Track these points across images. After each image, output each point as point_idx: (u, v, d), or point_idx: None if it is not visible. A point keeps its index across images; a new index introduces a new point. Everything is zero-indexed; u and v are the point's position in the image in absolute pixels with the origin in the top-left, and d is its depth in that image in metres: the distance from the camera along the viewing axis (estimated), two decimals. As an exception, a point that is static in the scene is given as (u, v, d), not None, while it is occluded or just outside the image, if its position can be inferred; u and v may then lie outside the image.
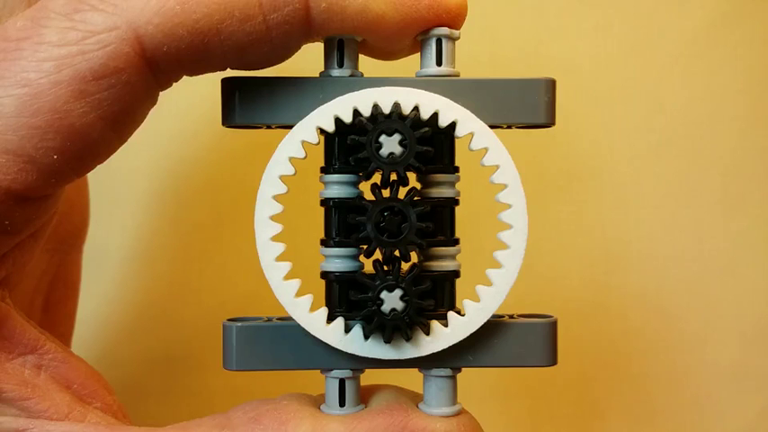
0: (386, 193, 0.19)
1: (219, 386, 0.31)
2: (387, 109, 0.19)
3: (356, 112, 0.19)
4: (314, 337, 0.20)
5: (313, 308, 0.20)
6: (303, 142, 0.19)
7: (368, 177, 0.19)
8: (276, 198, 0.19)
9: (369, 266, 0.20)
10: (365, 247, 0.19)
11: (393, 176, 0.19)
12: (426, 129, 0.19)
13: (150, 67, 0.18)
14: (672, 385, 0.33)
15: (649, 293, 0.31)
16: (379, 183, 0.19)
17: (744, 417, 0.33)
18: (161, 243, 0.32)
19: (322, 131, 0.20)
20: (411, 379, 0.21)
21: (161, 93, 0.19)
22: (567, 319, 0.30)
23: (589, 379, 0.32)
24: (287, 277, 0.19)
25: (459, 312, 0.20)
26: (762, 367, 0.33)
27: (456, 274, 0.20)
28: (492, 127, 0.20)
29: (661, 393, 0.33)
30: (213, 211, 0.32)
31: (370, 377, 0.21)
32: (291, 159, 0.19)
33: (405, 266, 0.20)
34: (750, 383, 0.33)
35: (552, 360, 0.20)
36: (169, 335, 0.32)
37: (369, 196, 0.20)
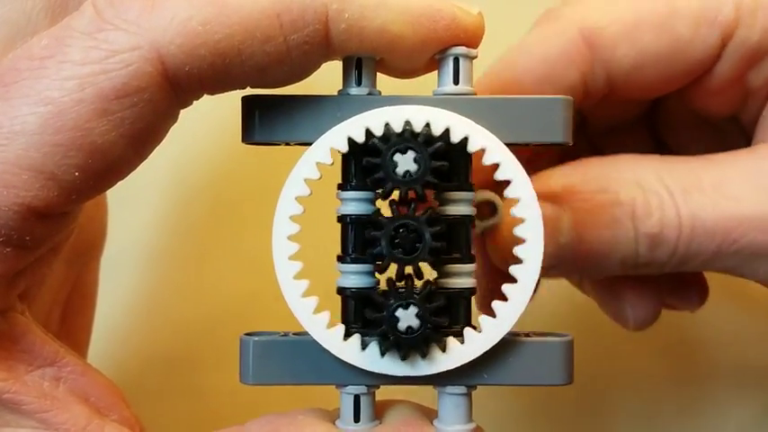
0: (403, 210, 0.19)
1: (219, 386, 0.31)
2: (399, 128, 0.19)
3: (368, 132, 0.19)
4: (330, 352, 0.20)
5: (330, 324, 0.20)
6: (317, 163, 0.20)
7: (386, 196, 0.19)
8: (293, 218, 0.20)
9: (385, 283, 0.20)
10: (381, 263, 0.19)
11: (411, 194, 0.19)
12: (439, 144, 0.19)
13: (172, 86, 0.18)
14: (672, 385, 0.33)
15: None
16: (396, 200, 0.19)
17: (744, 417, 0.33)
18: (160, 244, 0.32)
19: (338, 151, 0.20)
20: (426, 395, 0.21)
21: None
22: (568, 319, 0.30)
23: (589, 378, 0.32)
24: (305, 295, 0.20)
25: (474, 329, 0.20)
26: (762, 367, 0.33)
27: (472, 291, 0.21)
28: (509, 145, 0.20)
29: (661, 393, 0.33)
30: (213, 211, 0.32)
31: (385, 392, 0.21)
32: (307, 180, 0.20)
33: (420, 284, 0.20)
34: (750, 383, 0.33)
35: (568, 379, 0.20)
36: (168, 335, 0.32)
37: (386, 213, 0.20)
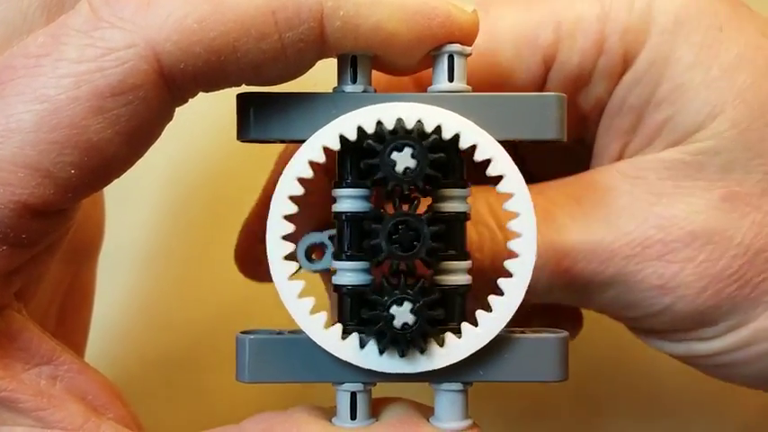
0: (398, 207, 0.19)
1: (217, 385, 0.31)
2: (390, 125, 0.19)
3: (360, 130, 0.19)
4: (326, 350, 0.20)
5: (325, 322, 0.20)
6: (310, 162, 0.20)
7: (389, 195, 0.19)
8: (288, 218, 0.20)
9: (380, 280, 0.20)
10: (378, 260, 0.19)
11: (413, 190, 0.19)
12: (434, 137, 0.19)
13: (167, 84, 0.18)
14: (672, 385, 0.33)
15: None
16: (398, 197, 0.20)
17: (744, 417, 0.33)
18: (158, 242, 0.32)
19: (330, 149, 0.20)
20: (423, 392, 0.21)
21: None
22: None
23: (589, 378, 0.32)
24: (300, 295, 0.20)
25: (470, 326, 0.20)
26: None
27: (467, 288, 0.21)
28: (503, 142, 0.20)
29: (661, 393, 0.33)
30: (211, 210, 0.32)
31: (381, 390, 0.21)
32: (300, 179, 0.20)
33: (416, 281, 0.20)
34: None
35: (564, 375, 0.20)
36: (169, 335, 0.32)
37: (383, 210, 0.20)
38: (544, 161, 0.27)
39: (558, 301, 0.25)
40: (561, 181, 0.24)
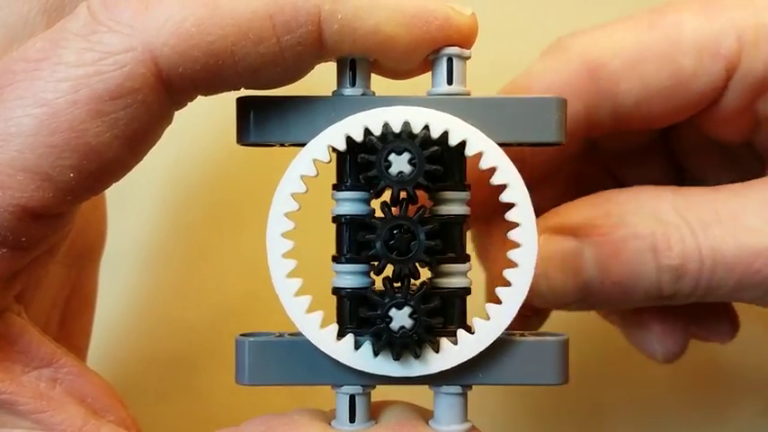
0: (396, 210, 0.19)
1: (218, 387, 0.31)
2: (397, 128, 0.19)
3: (367, 131, 0.19)
4: (325, 353, 0.20)
5: (324, 324, 0.20)
6: (315, 160, 0.20)
7: (378, 195, 0.19)
8: (288, 215, 0.20)
9: (380, 283, 0.20)
10: (375, 264, 0.19)
11: (402, 194, 0.19)
12: (436, 148, 0.19)
13: (165, 88, 0.18)
14: (672, 385, 0.33)
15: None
16: (389, 200, 0.20)
17: (744, 417, 0.33)
18: (159, 244, 0.32)
19: (334, 149, 0.20)
20: (422, 395, 0.21)
21: None
22: (568, 319, 0.30)
23: (589, 379, 0.32)
24: (298, 293, 0.20)
25: (469, 329, 0.20)
26: (762, 367, 0.33)
27: (467, 291, 0.21)
28: (503, 145, 0.20)
29: (661, 393, 0.33)
30: (212, 212, 0.32)
31: (380, 393, 0.21)
32: (303, 177, 0.20)
33: (415, 284, 0.20)
34: (750, 383, 0.33)
35: (563, 378, 0.20)
36: (167, 335, 0.32)
37: (380, 213, 0.20)
38: (705, 164, 0.28)
39: (740, 301, 0.25)
40: (748, 184, 0.24)
